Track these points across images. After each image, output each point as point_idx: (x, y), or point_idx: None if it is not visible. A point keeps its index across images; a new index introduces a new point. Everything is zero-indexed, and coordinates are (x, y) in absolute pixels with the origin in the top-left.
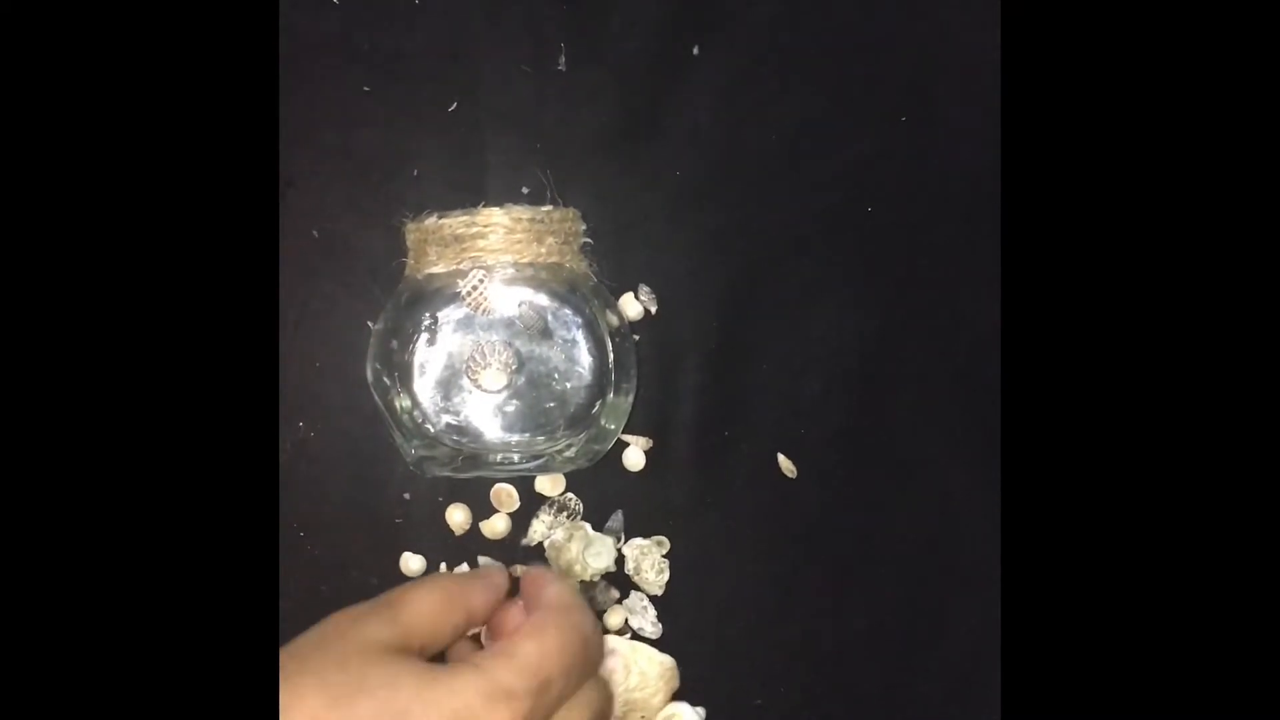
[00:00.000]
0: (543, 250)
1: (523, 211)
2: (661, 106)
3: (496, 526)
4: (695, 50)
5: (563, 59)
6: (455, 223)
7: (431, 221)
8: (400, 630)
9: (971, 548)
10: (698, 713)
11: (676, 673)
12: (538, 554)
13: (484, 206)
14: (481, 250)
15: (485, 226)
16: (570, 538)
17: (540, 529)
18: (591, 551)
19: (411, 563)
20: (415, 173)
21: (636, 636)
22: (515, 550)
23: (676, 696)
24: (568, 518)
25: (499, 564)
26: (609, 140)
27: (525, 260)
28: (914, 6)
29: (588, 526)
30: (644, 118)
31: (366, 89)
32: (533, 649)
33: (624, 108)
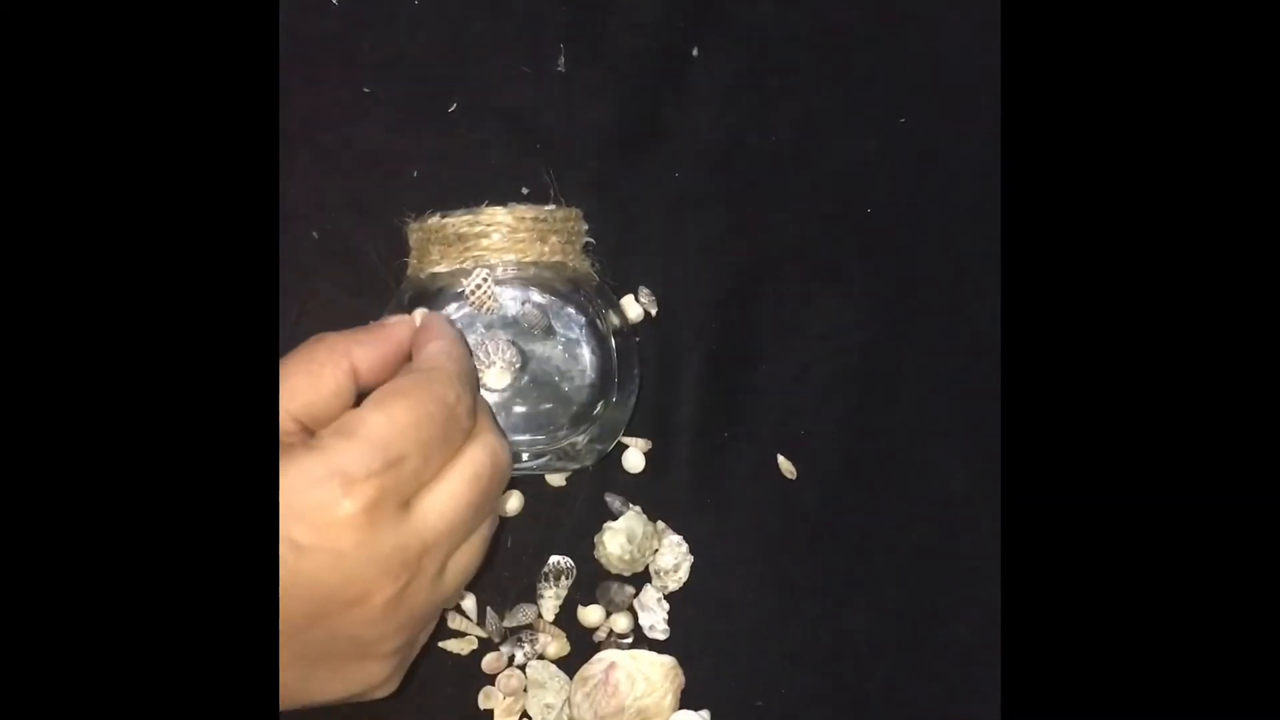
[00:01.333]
0: (546, 249)
1: (526, 210)
2: (661, 107)
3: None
4: (695, 51)
5: (562, 59)
6: (459, 222)
7: (435, 220)
8: None
9: (971, 548)
10: (701, 716)
11: (679, 670)
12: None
13: (487, 205)
14: (485, 249)
15: (489, 225)
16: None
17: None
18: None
19: None
20: (415, 173)
21: (642, 637)
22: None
23: (680, 697)
24: (566, 579)
25: (440, 317)
26: (608, 142)
27: (529, 259)
28: (914, 6)
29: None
30: (643, 119)
31: (366, 89)
32: (379, 421)
33: (624, 109)
